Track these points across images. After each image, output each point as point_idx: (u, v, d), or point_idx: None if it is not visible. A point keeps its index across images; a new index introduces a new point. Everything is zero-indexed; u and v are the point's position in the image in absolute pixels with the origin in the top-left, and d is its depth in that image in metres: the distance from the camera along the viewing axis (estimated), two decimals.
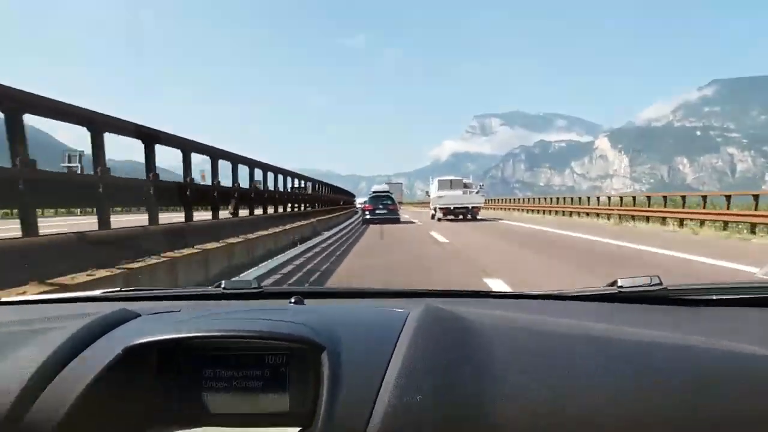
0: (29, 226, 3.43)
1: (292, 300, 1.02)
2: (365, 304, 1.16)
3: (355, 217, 26.74)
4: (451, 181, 23.70)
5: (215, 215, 7.20)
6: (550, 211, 26.06)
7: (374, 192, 24.65)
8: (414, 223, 20.73)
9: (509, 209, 33.96)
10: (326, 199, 20.61)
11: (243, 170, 8.82)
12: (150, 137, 5.24)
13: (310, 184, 16.78)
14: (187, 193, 6.05)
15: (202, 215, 6.91)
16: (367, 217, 21.14)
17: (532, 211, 29.32)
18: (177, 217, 6.39)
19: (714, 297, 1.02)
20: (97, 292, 1.26)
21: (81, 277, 3.59)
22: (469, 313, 0.85)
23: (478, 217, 22.10)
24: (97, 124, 4.26)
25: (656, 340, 0.79)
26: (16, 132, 3.39)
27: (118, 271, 4.03)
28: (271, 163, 11.23)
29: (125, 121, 4.84)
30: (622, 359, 0.72)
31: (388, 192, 24.18)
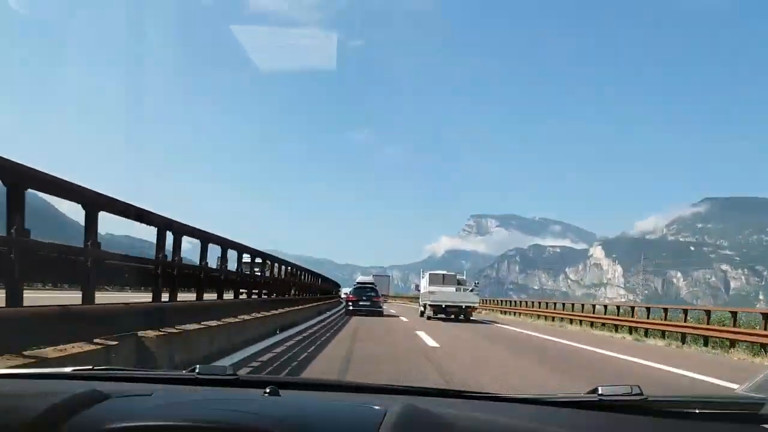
0: (13, 297, 3.47)
1: (267, 390, 0.99)
2: (341, 398, 1.15)
3: (338, 307, 25.29)
4: (443, 275, 20.98)
5: (199, 296, 7.15)
6: (548, 317, 23.51)
7: (358, 283, 24.68)
8: (399, 318, 20.03)
9: (504, 311, 30.77)
10: (301, 285, 17.68)
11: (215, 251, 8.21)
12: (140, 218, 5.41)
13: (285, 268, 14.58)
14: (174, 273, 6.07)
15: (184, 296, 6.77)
16: (350, 308, 21.10)
17: (527, 314, 26.72)
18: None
19: (696, 411, 1.01)
20: (67, 370, 1.25)
21: (52, 352, 3.56)
22: (447, 415, 0.85)
23: (471, 318, 20.25)
24: (94, 204, 4.35)
25: None
26: (16, 204, 3.44)
27: (93, 347, 4.01)
28: (265, 250, 11.30)
29: (124, 203, 5.01)
30: None
31: (372, 284, 24.01)
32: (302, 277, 18.08)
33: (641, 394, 1.02)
